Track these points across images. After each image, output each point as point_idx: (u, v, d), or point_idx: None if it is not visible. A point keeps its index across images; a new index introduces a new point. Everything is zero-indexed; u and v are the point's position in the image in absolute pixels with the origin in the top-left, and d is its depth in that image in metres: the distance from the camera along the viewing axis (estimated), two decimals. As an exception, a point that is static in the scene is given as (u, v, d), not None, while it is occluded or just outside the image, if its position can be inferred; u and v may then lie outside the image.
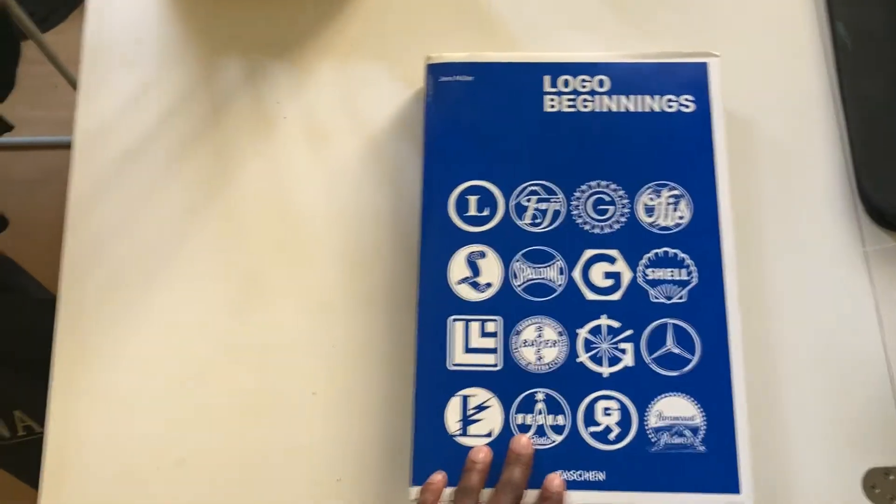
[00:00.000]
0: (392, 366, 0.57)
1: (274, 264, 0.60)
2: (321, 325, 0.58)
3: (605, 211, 0.56)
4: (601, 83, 0.58)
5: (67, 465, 0.56)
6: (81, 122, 0.64)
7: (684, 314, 0.53)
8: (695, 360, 0.53)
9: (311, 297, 0.59)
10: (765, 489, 0.53)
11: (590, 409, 0.52)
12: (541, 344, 0.53)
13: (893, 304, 0.57)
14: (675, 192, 0.56)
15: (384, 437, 0.56)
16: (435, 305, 0.54)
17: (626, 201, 0.56)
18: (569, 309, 0.54)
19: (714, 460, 0.51)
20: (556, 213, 0.56)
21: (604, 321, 0.54)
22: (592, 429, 0.52)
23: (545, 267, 0.55)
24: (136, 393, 0.58)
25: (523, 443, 0.52)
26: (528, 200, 0.56)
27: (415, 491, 0.51)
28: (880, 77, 0.62)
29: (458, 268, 0.55)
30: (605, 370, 0.53)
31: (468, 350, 0.54)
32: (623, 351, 0.53)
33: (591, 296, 0.54)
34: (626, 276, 0.54)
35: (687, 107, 0.57)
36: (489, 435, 0.52)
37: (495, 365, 0.53)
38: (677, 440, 0.52)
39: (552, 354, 0.53)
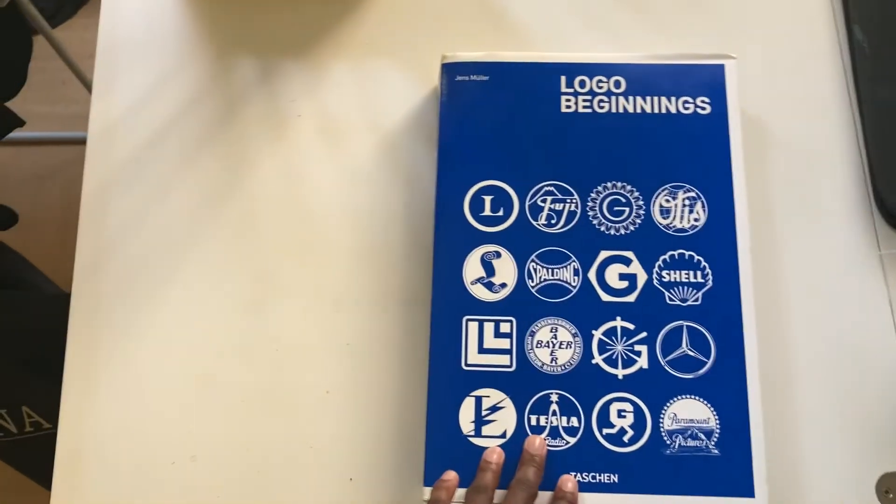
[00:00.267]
0: (405, 365, 0.57)
1: (288, 262, 0.60)
2: (335, 323, 0.58)
3: (621, 212, 0.55)
4: (617, 84, 0.58)
5: (80, 460, 0.56)
6: (95, 119, 0.64)
7: (699, 317, 0.53)
8: (709, 362, 0.53)
9: (325, 295, 0.59)
10: (778, 493, 0.53)
11: (604, 411, 0.52)
12: (555, 345, 0.53)
13: (908, 308, 0.57)
14: (691, 193, 0.55)
15: (397, 436, 0.56)
16: (449, 305, 0.54)
17: (641, 203, 0.56)
18: (583, 310, 0.54)
19: (728, 463, 0.51)
20: (572, 214, 0.56)
21: (619, 323, 0.54)
22: (606, 431, 0.52)
23: (560, 268, 0.55)
24: (149, 389, 0.58)
25: (537, 444, 0.51)
26: (544, 201, 0.56)
27: (427, 491, 0.51)
28: (897, 80, 0.62)
29: (472, 268, 0.55)
30: (620, 372, 0.53)
31: (482, 350, 0.53)
32: (638, 353, 0.53)
33: (606, 297, 0.54)
34: (642, 278, 0.54)
35: (703, 109, 0.57)
36: (503, 436, 0.52)
37: (509, 366, 0.53)
38: (691, 443, 0.52)
39: (566, 356, 0.53)
